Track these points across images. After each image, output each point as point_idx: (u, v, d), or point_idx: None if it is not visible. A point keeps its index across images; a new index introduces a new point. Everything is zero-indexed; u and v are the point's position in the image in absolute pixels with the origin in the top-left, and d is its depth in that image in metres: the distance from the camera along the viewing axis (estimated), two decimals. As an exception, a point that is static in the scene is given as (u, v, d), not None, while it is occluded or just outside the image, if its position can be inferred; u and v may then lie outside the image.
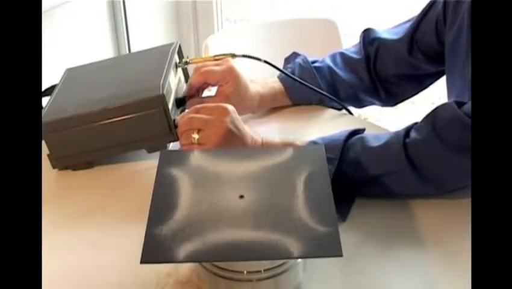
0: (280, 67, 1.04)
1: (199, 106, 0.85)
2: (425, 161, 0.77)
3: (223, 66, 0.96)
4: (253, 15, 3.22)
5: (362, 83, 1.06)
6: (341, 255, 0.57)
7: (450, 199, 0.80)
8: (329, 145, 0.79)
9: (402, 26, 1.05)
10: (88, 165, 0.90)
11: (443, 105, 0.79)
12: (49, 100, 0.92)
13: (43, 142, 0.87)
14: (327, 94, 1.02)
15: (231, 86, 0.95)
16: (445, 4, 0.95)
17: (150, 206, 0.64)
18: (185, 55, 1.01)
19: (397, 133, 0.80)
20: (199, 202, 0.64)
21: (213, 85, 0.97)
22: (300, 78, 1.02)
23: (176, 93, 0.94)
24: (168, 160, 0.70)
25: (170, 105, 0.87)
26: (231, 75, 0.95)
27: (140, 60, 1.00)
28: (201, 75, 0.95)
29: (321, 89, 1.02)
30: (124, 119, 0.85)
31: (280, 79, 1.05)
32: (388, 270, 0.70)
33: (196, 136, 0.82)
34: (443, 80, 1.02)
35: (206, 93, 1.00)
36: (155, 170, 0.69)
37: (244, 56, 0.97)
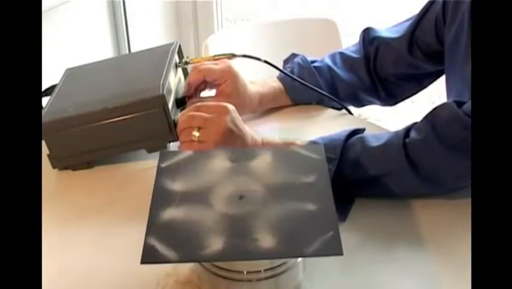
0: (280, 67, 1.04)
1: (199, 104, 0.86)
2: (425, 161, 0.77)
3: (221, 65, 0.96)
4: (253, 15, 3.22)
5: (361, 83, 1.06)
6: (341, 254, 0.57)
7: (450, 199, 0.80)
8: (329, 145, 0.79)
9: (402, 25, 1.05)
10: (88, 165, 0.90)
11: (443, 105, 0.79)
12: (49, 100, 0.92)
13: (43, 142, 0.87)
14: (327, 94, 1.02)
15: (230, 85, 0.95)
16: (444, 3, 0.95)
17: (150, 206, 0.64)
18: (185, 55, 1.01)
19: (397, 133, 0.80)
20: (199, 203, 0.64)
21: (211, 84, 0.97)
22: (299, 77, 1.02)
23: (176, 93, 0.94)
24: (168, 160, 0.70)
25: (170, 105, 0.87)
26: (230, 74, 0.95)
27: (140, 60, 1.00)
28: (200, 72, 0.95)
29: (321, 88, 1.02)
30: (124, 119, 0.85)
31: (280, 79, 1.05)
32: (388, 269, 0.70)
33: (196, 134, 0.82)
34: (442, 79, 1.02)
35: (205, 93, 1.00)
36: (155, 170, 0.69)
37: (244, 56, 0.97)
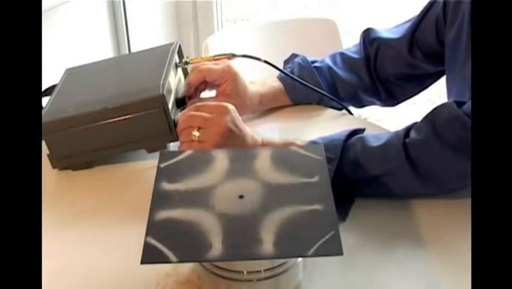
0: (280, 67, 1.04)
1: (199, 104, 0.86)
2: (425, 161, 0.77)
3: (221, 65, 0.96)
4: (253, 15, 3.23)
5: (362, 83, 1.06)
6: (341, 254, 0.57)
7: (450, 199, 0.80)
8: (329, 145, 0.79)
9: (402, 25, 1.05)
10: (88, 165, 0.90)
11: (443, 105, 0.79)
12: (49, 100, 0.92)
13: (43, 142, 0.86)
14: (327, 94, 1.02)
15: (230, 85, 0.95)
16: (445, 4, 0.95)
17: (150, 206, 0.64)
18: (185, 55, 1.01)
19: (397, 133, 0.80)
20: (199, 203, 0.64)
21: (211, 84, 0.97)
22: (299, 77, 1.02)
23: (176, 93, 0.94)
24: (168, 160, 0.70)
25: (170, 105, 0.87)
26: (229, 74, 0.95)
27: (140, 60, 1.00)
28: (200, 72, 0.95)
29: (321, 88, 1.02)
30: (124, 119, 0.85)
31: (280, 79, 1.05)
32: (388, 269, 0.70)
33: (196, 133, 0.82)
34: (442, 80, 1.02)
35: (205, 94, 1.00)
36: (155, 170, 0.69)
37: (244, 56, 0.97)
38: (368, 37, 1.06)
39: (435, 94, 1.68)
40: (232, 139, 0.82)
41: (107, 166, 0.91)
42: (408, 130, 0.80)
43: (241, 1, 3.20)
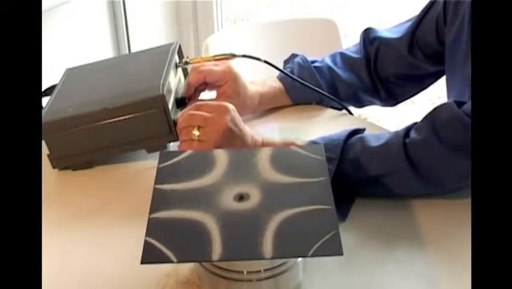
0: (280, 67, 1.04)
1: (199, 103, 0.86)
2: (425, 161, 0.77)
3: (222, 66, 0.96)
4: (253, 15, 3.23)
5: (362, 83, 1.06)
6: (341, 254, 0.57)
7: (450, 199, 0.80)
8: (329, 145, 0.79)
9: (403, 25, 1.05)
10: (88, 165, 0.90)
11: (443, 105, 0.79)
12: (49, 100, 0.92)
13: (43, 142, 0.87)
14: (327, 94, 1.02)
15: (231, 86, 0.95)
16: (445, 4, 0.95)
17: (150, 206, 0.64)
18: (185, 55, 1.01)
19: (397, 133, 0.80)
20: (199, 202, 0.64)
21: (212, 85, 0.97)
22: (299, 77, 1.02)
23: (176, 93, 0.94)
24: (168, 160, 0.70)
25: (170, 105, 0.87)
26: (230, 75, 0.95)
27: (140, 60, 1.00)
28: (200, 73, 0.95)
29: (321, 88, 1.02)
30: (124, 119, 0.85)
31: (280, 79, 1.05)
32: (388, 269, 0.70)
33: (196, 132, 0.82)
34: (442, 80, 1.02)
35: (205, 95, 1.00)
36: (155, 170, 0.69)
37: (244, 56, 0.97)
38: (369, 37, 1.06)
39: (435, 94, 1.69)
40: (232, 139, 0.82)
41: (107, 166, 0.91)
42: (408, 130, 0.80)
43: (241, 1, 3.21)
